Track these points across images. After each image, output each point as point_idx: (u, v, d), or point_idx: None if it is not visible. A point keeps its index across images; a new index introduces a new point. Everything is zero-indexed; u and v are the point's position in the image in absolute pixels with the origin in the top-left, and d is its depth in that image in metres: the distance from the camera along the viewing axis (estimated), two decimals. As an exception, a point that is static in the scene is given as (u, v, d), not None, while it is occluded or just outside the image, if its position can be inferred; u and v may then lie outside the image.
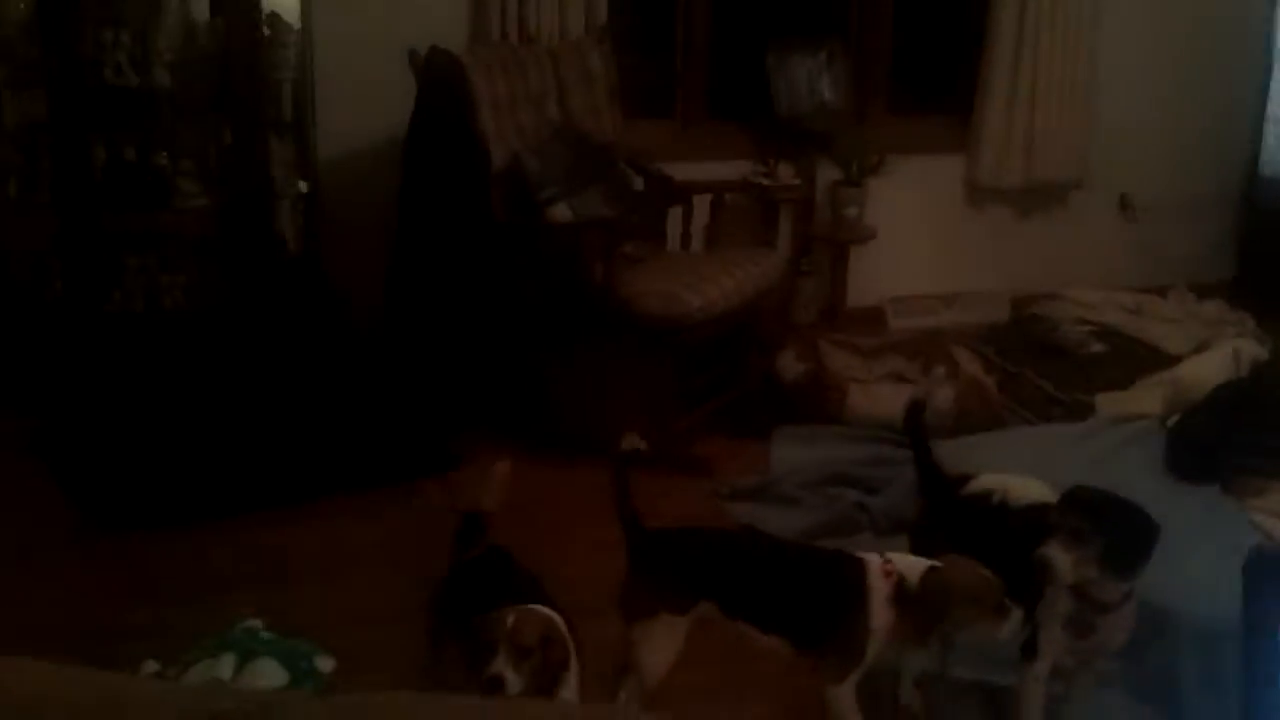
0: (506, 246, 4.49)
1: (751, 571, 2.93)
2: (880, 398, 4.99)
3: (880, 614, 2.77)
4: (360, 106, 5.01)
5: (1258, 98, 6.13)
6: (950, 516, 3.21)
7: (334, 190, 5.07)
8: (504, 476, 2.85)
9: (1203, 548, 3.39)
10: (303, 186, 5.04)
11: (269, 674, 2.11)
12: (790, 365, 5.19)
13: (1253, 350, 4.51)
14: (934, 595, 2.73)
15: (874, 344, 5.54)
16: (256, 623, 2.33)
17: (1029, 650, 2.98)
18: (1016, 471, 3.27)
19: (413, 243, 4.47)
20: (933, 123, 6.22)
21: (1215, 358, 4.50)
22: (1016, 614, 2.70)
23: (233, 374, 4.42)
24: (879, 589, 2.77)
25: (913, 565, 2.80)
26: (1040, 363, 5.35)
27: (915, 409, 3.42)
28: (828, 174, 5.84)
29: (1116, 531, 2.75)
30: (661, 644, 2.84)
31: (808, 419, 4.95)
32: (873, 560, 2.84)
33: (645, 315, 4.40)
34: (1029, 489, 3.14)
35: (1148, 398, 4.53)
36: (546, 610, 2.49)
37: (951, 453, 3.79)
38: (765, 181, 5.66)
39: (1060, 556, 2.73)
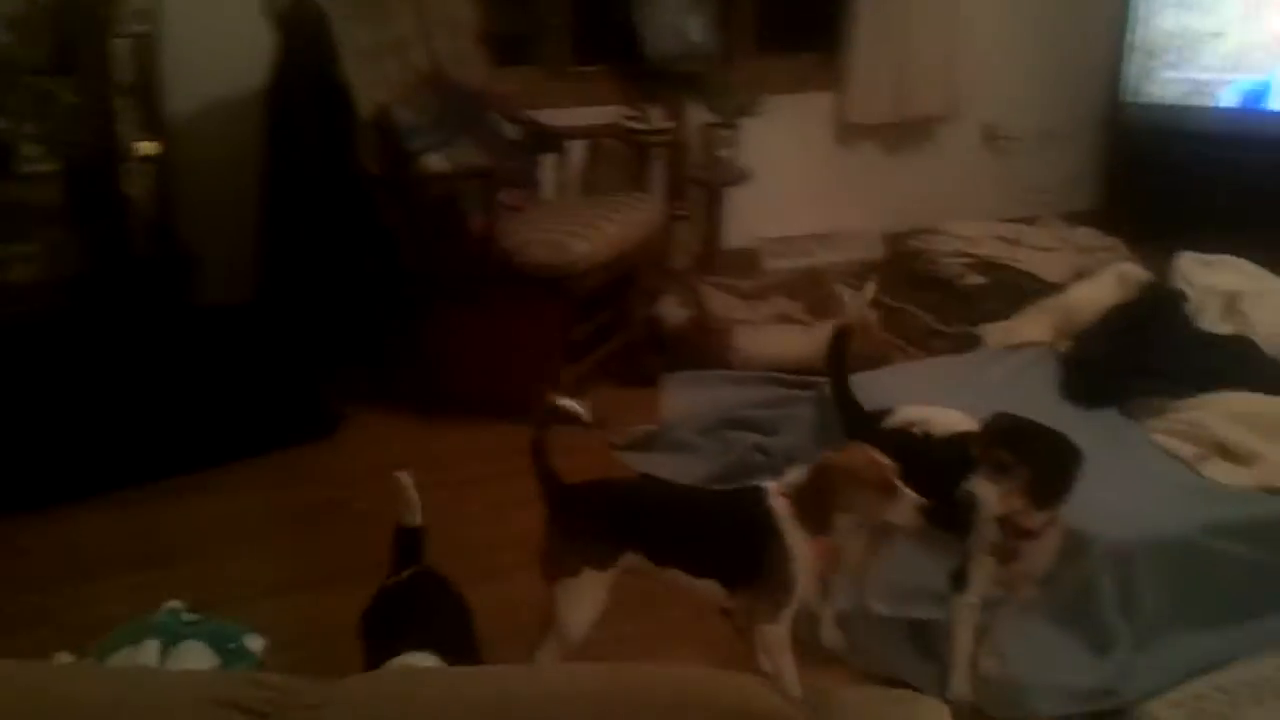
0: (380, 200, 4.30)
1: (673, 518, 2.86)
2: (767, 339, 4.94)
3: (793, 535, 2.72)
4: (213, 61, 4.74)
5: (1119, 26, 6.16)
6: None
7: (188, 149, 4.80)
8: (409, 486, 2.73)
9: (1111, 470, 3.36)
10: (152, 147, 4.76)
11: (197, 658, 1.95)
12: (672, 311, 5.11)
13: (1138, 273, 4.53)
14: (820, 478, 2.70)
15: (754, 286, 5.49)
16: (178, 604, 2.16)
17: (959, 581, 2.94)
18: (921, 404, 3.22)
19: (281, 200, 4.26)
20: (802, 61, 6.15)
21: (1103, 282, 4.52)
22: (910, 497, 2.64)
23: (93, 345, 4.16)
24: (782, 510, 2.73)
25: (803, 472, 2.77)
26: (921, 296, 5.34)
27: (839, 340, 3.33)
28: (699, 116, 5.72)
29: (1041, 461, 2.72)
30: (586, 600, 2.76)
31: (694, 364, 4.88)
32: (767, 486, 2.79)
33: (530, 265, 4.26)
34: (951, 419, 3.09)
35: (1034, 325, 4.53)
36: None
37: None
38: (636, 126, 5.52)
39: (987, 489, 2.69)
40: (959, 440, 3.01)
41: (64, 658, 1.85)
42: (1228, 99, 5.94)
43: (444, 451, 4.27)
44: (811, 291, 5.35)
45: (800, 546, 2.72)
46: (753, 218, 5.99)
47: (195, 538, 3.72)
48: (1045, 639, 3.18)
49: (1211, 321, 4.24)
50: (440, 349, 4.43)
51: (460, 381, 4.43)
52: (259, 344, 4.32)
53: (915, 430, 3.10)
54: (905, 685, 3.05)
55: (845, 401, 3.30)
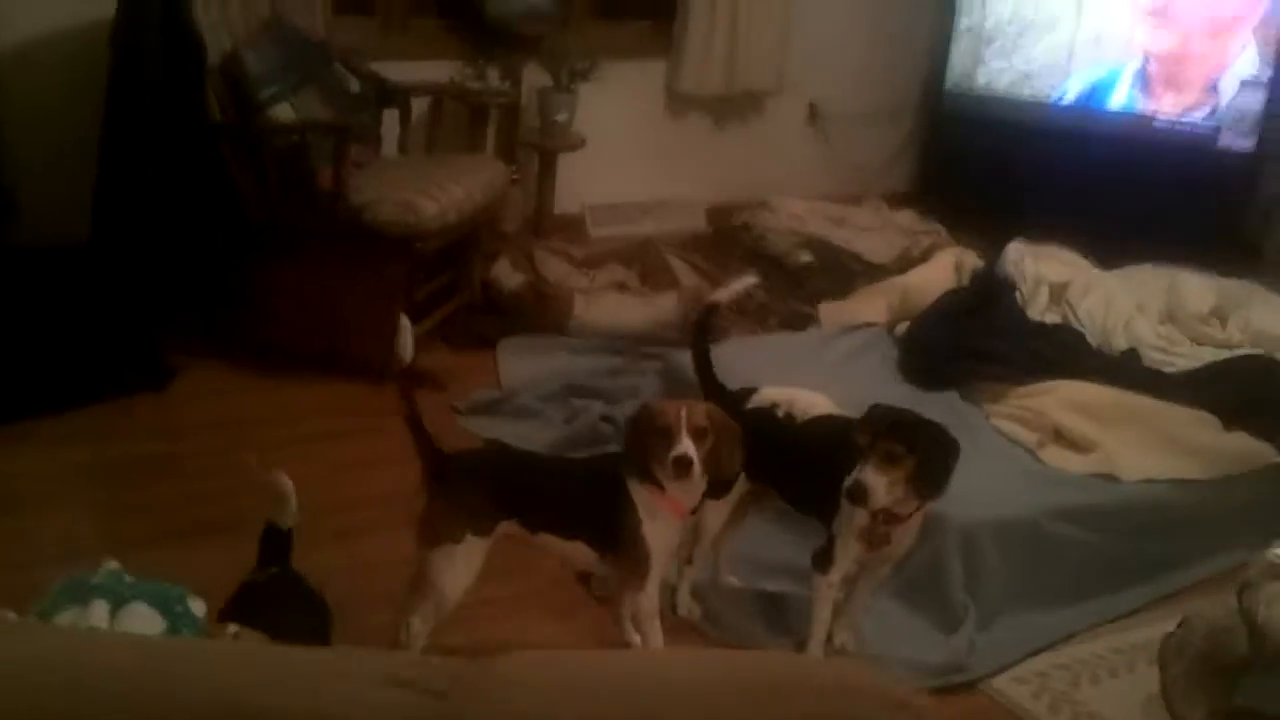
0: (225, 148, 4.13)
1: (547, 485, 2.88)
2: (605, 308, 4.94)
3: (641, 500, 2.74)
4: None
5: (948, 9, 6.32)
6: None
7: (19, 80, 4.53)
8: (288, 489, 2.59)
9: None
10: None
11: (145, 620, 1.85)
12: (508, 275, 5.06)
13: (972, 260, 4.68)
14: (631, 426, 2.76)
15: (588, 253, 5.48)
16: (116, 564, 2.04)
17: (822, 561, 3.01)
18: (764, 382, 3.27)
19: (122, 142, 4.05)
20: (639, 28, 6.14)
21: (938, 266, 4.66)
22: (684, 442, 2.65)
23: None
24: (631, 476, 2.75)
25: None
26: (749, 271, 5.39)
27: (706, 320, 3.35)
28: (536, 79, 5.67)
29: (926, 452, 2.79)
30: (464, 566, 2.76)
31: (531, 330, 4.85)
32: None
33: (379, 223, 4.16)
34: (814, 402, 3.14)
35: (870, 306, 4.65)
36: None
37: (689, 364, 3.78)
38: (475, 85, 5.45)
39: (876, 481, 2.74)
40: (821, 423, 3.08)
41: (9, 617, 1.74)
42: (1055, 91, 6.13)
43: (282, 407, 4.17)
44: (645, 260, 5.38)
45: (651, 513, 2.74)
46: (585, 184, 5.98)
47: (16, 491, 3.52)
48: (897, 616, 3.28)
49: (1040, 310, 4.42)
50: (281, 303, 4.30)
51: (300, 337, 4.32)
52: (90, 289, 4.12)
53: (778, 412, 3.15)
54: (763, 659, 3.13)
55: (708, 381, 3.31)
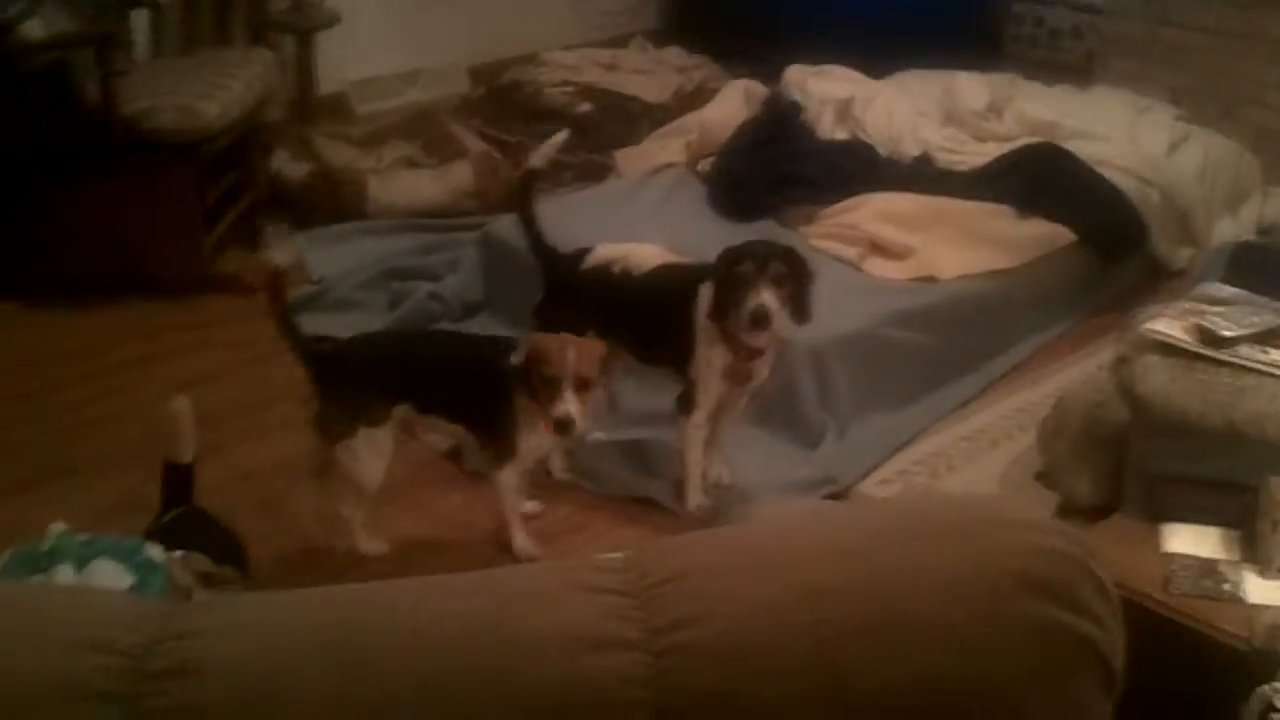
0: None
1: (434, 369, 2.89)
2: (400, 186, 4.85)
3: (520, 398, 2.79)
4: None
5: None
6: (574, 292, 3.22)
7: None
8: (185, 417, 2.48)
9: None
10: None
11: (112, 575, 1.79)
12: (291, 167, 4.91)
13: (759, 89, 4.74)
14: (525, 357, 2.76)
15: (366, 132, 5.36)
16: (62, 525, 1.96)
17: (685, 405, 3.10)
18: (580, 241, 3.32)
19: None
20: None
21: (728, 100, 4.71)
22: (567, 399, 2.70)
23: None
24: (515, 374, 2.79)
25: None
26: (534, 128, 5.35)
27: (526, 186, 3.34)
28: (277, -43, 5.44)
29: (800, 277, 2.91)
30: (370, 456, 2.80)
31: (327, 219, 4.73)
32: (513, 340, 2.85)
33: (161, 131, 3.98)
34: (649, 254, 3.20)
35: (666, 149, 4.68)
36: None
37: (509, 228, 3.79)
38: (219, -30, 5.20)
39: (774, 302, 2.83)
40: (660, 273, 3.14)
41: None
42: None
43: (88, 338, 4.00)
44: (427, 133, 5.29)
45: (531, 424, 2.80)
46: (341, 62, 5.80)
47: None
48: (762, 441, 3.41)
49: (829, 129, 4.53)
50: (67, 231, 4.07)
51: (94, 262, 4.12)
52: None
53: (615, 269, 3.19)
54: (644, 502, 3.23)
55: (541, 248, 3.32)
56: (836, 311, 3.58)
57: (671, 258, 3.23)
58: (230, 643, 0.96)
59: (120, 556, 1.86)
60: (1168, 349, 2.57)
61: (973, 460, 3.38)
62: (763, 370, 3.08)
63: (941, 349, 3.68)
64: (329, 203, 4.76)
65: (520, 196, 3.38)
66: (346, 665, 0.95)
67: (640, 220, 4.06)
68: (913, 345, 3.63)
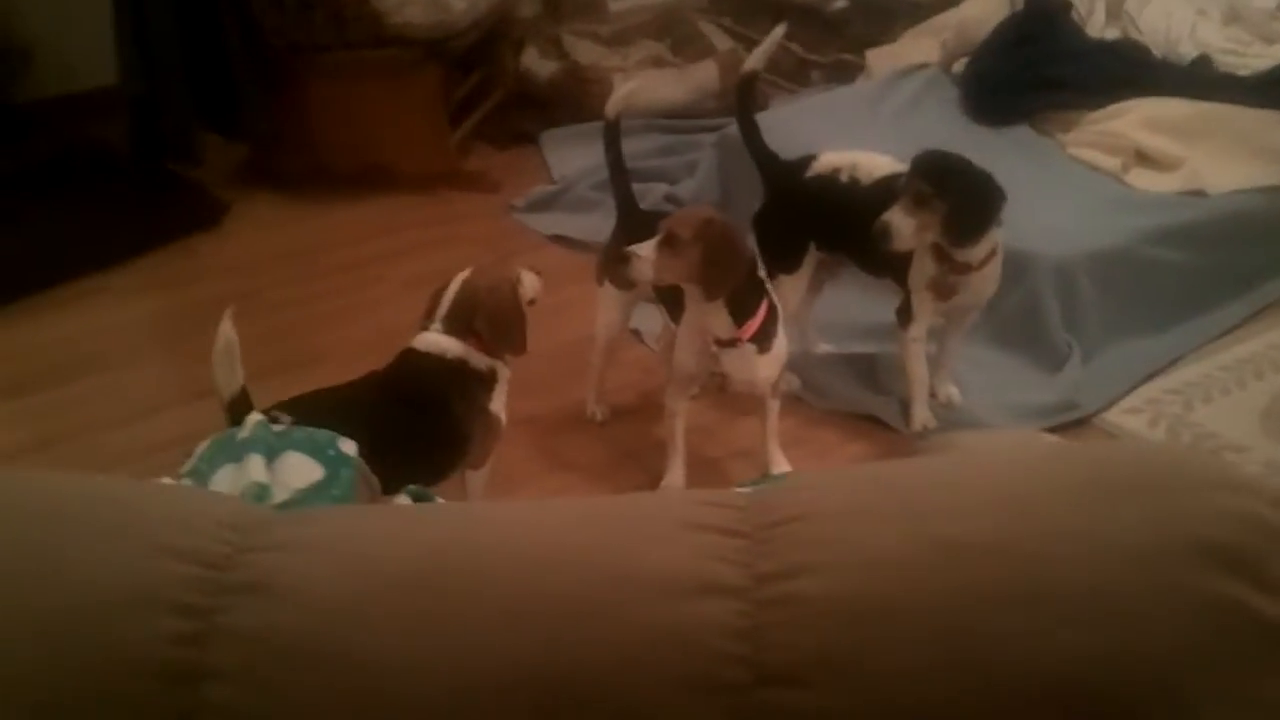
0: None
1: None
2: (645, 86, 4.76)
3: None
4: None
5: None
6: (797, 200, 3.08)
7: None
8: (232, 345, 2.16)
9: (1040, 188, 3.39)
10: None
11: (302, 469, 1.80)
12: (539, 65, 4.89)
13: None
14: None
15: (615, 29, 5.28)
16: (259, 415, 1.99)
17: (903, 316, 2.95)
18: (822, 146, 3.13)
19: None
20: None
21: (987, -3, 4.44)
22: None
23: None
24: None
25: None
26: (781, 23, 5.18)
27: (746, 89, 3.19)
28: None
29: (958, 198, 2.70)
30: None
31: (571, 119, 4.70)
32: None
33: (409, 28, 4.00)
34: (876, 163, 3.01)
35: (920, 48, 4.45)
36: None
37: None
38: None
39: (900, 221, 2.68)
40: (888, 182, 2.95)
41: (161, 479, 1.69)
42: None
43: (339, 231, 4.08)
44: (675, 31, 5.18)
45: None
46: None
47: (99, 349, 3.45)
48: (999, 362, 3.22)
49: (1099, 28, 4.22)
50: (318, 126, 4.16)
51: (344, 157, 4.20)
52: (121, 135, 4.00)
53: (842, 177, 3.03)
54: (868, 420, 3.09)
55: (761, 154, 3.16)
56: (1091, 226, 3.37)
57: (900, 168, 3.05)
58: (311, 558, 0.91)
59: (312, 449, 1.85)
60: None
61: (1231, 392, 3.11)
62: (982, 288, 2.87)
63: (1207, 270, 3.39)
64: (574, 102, 4.72)
65: (739, 100, 3.22)
66: (433, 588, 0.88)
67: (882, 124, 3.88)
68: (1175, 265, 3.36)
